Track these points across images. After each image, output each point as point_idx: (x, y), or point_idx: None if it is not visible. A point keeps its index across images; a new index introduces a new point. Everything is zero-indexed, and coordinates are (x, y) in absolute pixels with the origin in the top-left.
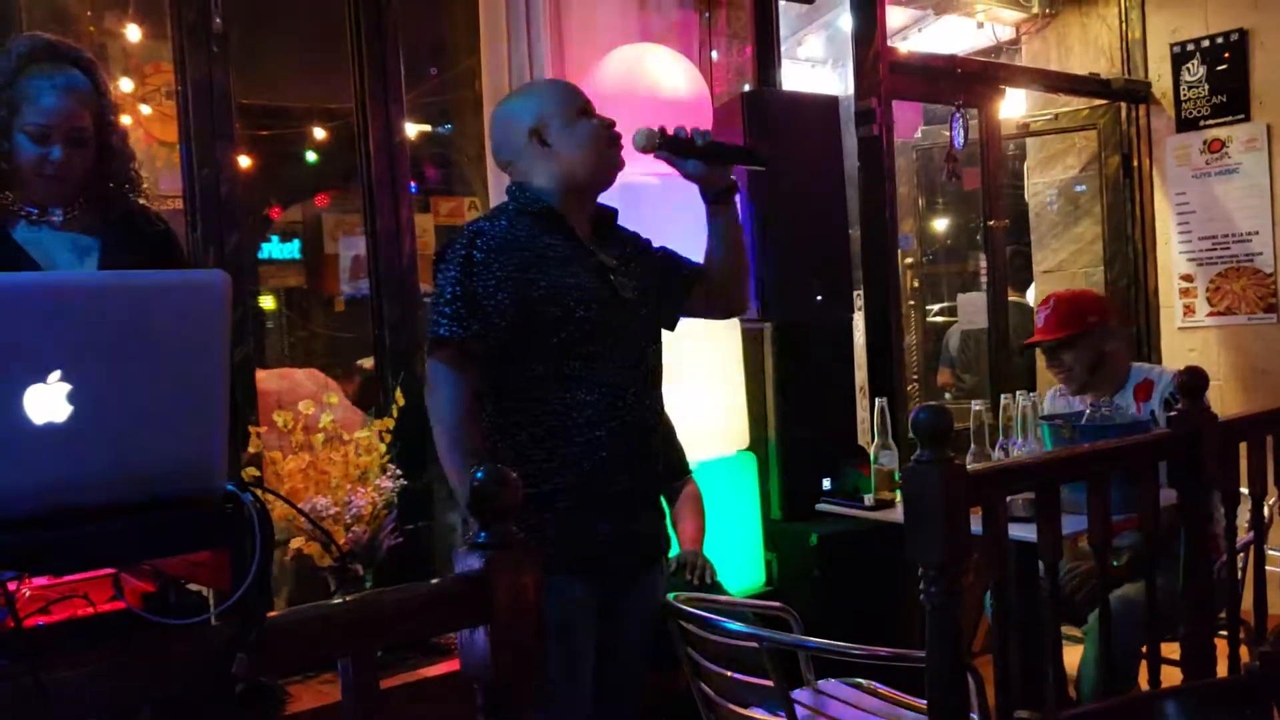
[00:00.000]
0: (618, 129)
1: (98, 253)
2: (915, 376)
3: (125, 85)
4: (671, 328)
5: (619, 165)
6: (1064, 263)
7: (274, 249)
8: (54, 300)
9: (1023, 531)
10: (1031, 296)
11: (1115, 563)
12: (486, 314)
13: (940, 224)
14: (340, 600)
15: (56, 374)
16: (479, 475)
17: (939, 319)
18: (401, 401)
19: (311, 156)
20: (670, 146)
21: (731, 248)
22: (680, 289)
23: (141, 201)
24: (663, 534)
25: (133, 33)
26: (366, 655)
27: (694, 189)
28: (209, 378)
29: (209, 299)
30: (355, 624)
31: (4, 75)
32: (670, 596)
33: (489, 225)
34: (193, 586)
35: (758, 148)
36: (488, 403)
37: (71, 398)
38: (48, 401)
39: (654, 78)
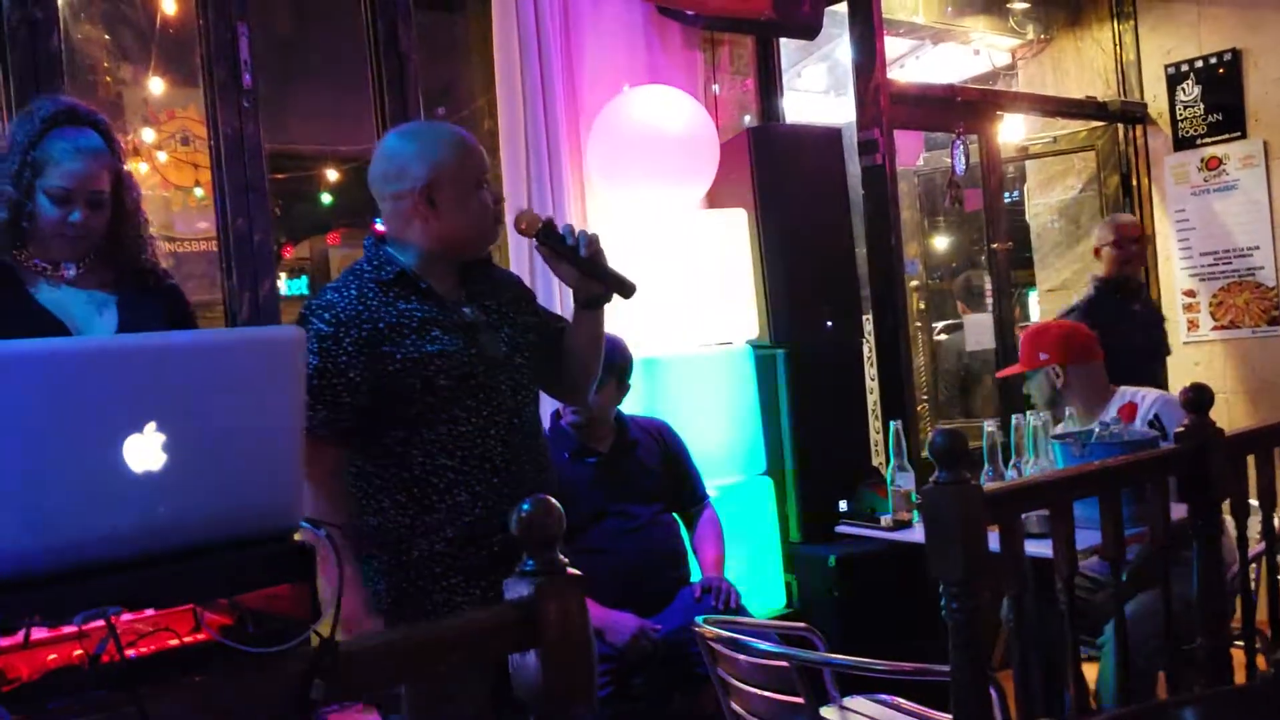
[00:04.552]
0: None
1: (115, 308)
2: (925, 397)
3: (147, 135)
4: (541, 383)
5: (497, 240)
6: (1067, 281)
7: (283, 285)
8: (150, 358)
9: (1036, 547)
10: (1036, 314)
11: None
12: (336, 393)
13: (944, 244)
14: (402, 628)
15: (152, 425)
16: (525, 507)
17: (943, 337)
18: None
19: (319, 196)
20: (550, 242)
21: (588, 350)
22: (549, 353)
23: (149, 259)
24: None
25: (150, 82)
26: (428, 680)
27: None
28: (286, 423)
29: (286, 352)
30: (417, 650)
31: (29, 136)
32: (699, 620)
33: (338, 297)
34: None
35: (628, 280)
36: (349, 468)
37: (165, 447)
38: (145, 451)
39: (664, 118)
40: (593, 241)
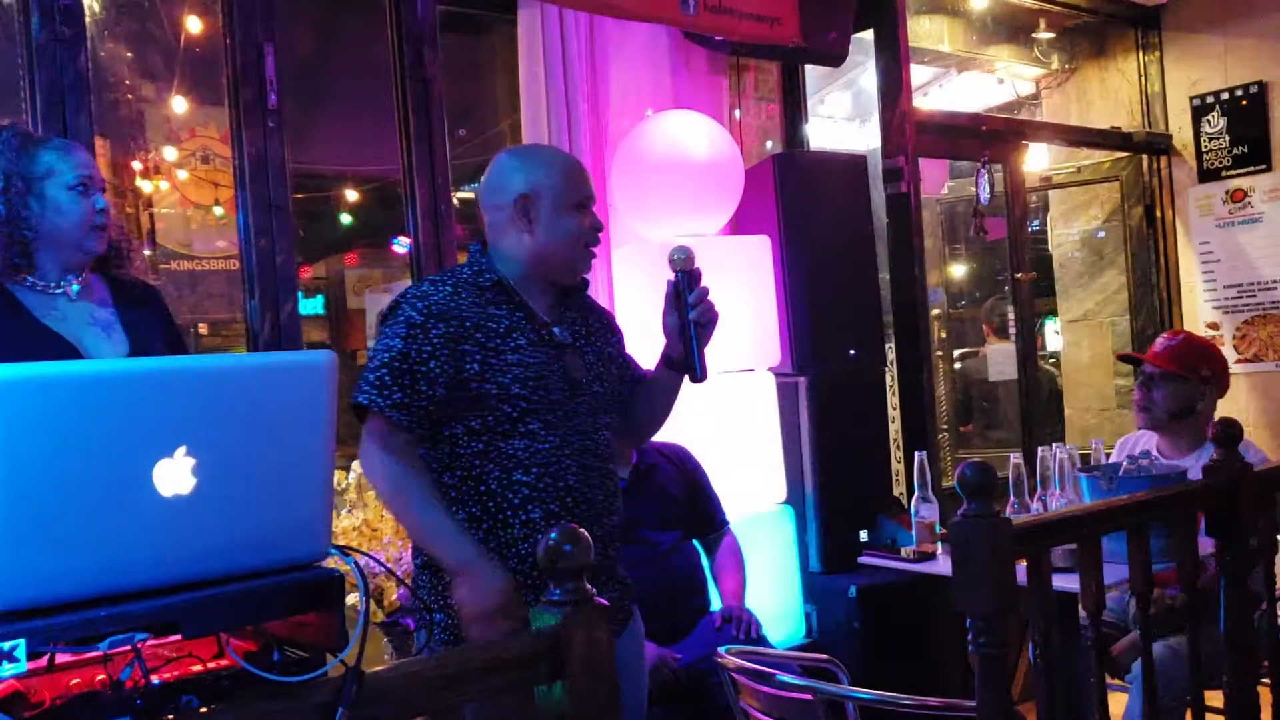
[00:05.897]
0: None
1: (121, 328)
2: (945, 427)
3: (168, 153)
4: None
5: (588, 269)
6: (1090, 312)
7: (299, 305)
8: (182, 382)
9: (1063, 582)
10: (1055, 344)
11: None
12: (415, 380)
13: (966, 272)
14: (429, 656)
15: (183, 449)
16: (553, 537)
17: (958, 365)
18: None
19: (337, 216)
20: (680, 285)
21: (660, 411)
22: (623, 396)
23: (133, 258)
24: (624, 609)
25: (172, 101)
26: (455, 710)
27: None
28: (317, 449)
29: (317, 377)
30: (445, 680)
31: (12, 149)
32: (723, 650)
33: (432, 289)
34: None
35: (701, 369)
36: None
37: (196, 471)
38: (175, 475)
39: (688, 143)
40: (708, 312)
